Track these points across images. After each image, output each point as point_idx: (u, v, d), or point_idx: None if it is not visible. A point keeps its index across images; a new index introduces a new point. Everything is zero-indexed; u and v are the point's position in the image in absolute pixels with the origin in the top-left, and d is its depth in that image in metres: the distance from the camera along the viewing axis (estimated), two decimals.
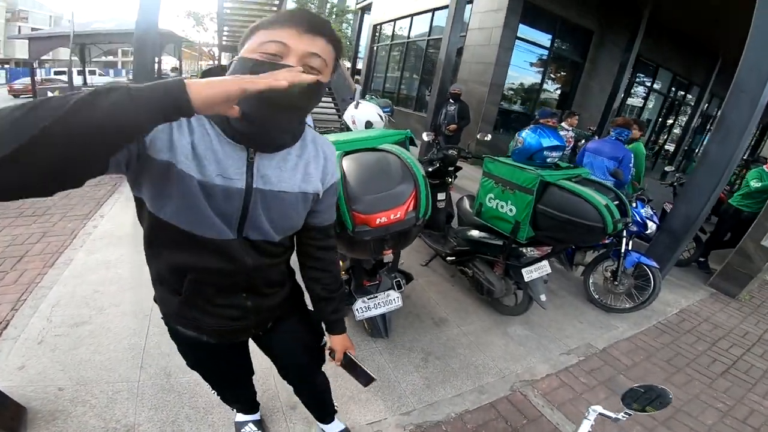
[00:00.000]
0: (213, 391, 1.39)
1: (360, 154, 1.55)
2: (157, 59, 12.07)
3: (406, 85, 12.58)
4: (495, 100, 8.26)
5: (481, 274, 2.76)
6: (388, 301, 2.04)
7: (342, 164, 1.48)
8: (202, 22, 18.28)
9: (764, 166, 4.39)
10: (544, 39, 8.75)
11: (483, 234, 2.62)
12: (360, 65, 16.30)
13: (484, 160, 2.54)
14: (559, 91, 9.84)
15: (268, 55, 0.71)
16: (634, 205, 3.07)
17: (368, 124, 2.53)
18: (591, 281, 3.34)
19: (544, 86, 9.37)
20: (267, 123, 0.77)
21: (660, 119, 13.10)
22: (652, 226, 2.98)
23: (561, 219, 2.09)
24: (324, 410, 1.59)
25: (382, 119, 2.57)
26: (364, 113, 2.55)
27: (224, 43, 14.23)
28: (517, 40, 8.12)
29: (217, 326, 0.99)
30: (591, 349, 2.74)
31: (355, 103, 2.67)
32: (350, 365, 1.24)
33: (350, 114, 2.60)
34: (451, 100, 6.21)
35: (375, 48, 14.59)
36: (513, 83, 9.05)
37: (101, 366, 1.96)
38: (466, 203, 2.95)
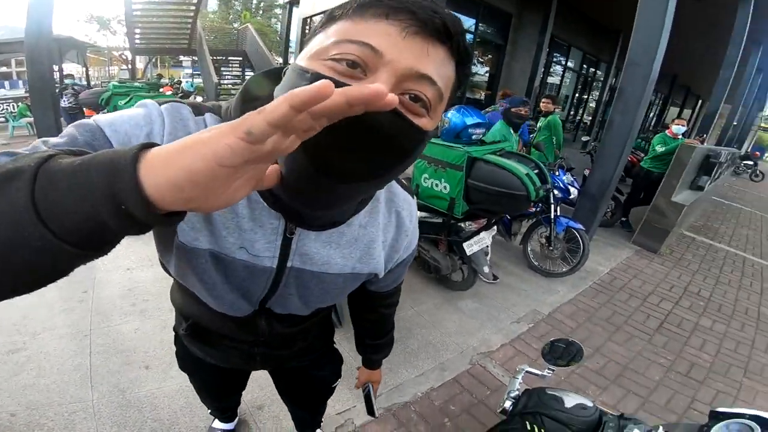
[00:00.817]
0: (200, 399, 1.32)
1: None
2: (56, 67, 10.90)
3: None
4: None
5: (426, 253, 2.87)
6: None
7: None
8: (108, 25, 16.69)
9: (666, 132, 5.01)
10: (469, 23, 9.12)
11: (423, 214, 2.72)
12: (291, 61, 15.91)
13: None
14: (486, 74, 10.33)
15: (342, 65, 0.41)
16: (556, 172, 3.34)
17: None
18: (529, 249, 3.59)
19: (473, 70, 9.79)
20: (321, 193, 0.45)
21: (576, 94, 14.23)
22: (574, 192, 3.27)
23: (490, 191, 2.26)
24: (310, 427, 1.52)
25: None
26: None
27: (137, 46, 13.10)
28: None
29: (221, 361, 0.88)
30: (538, 315, 2.93)
31: None
32: (366, 397, 1.19)
33: None
34: None
35: (307, 41, 14.33)
36: None
37: (49, 389, 1.82)
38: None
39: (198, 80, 11.21)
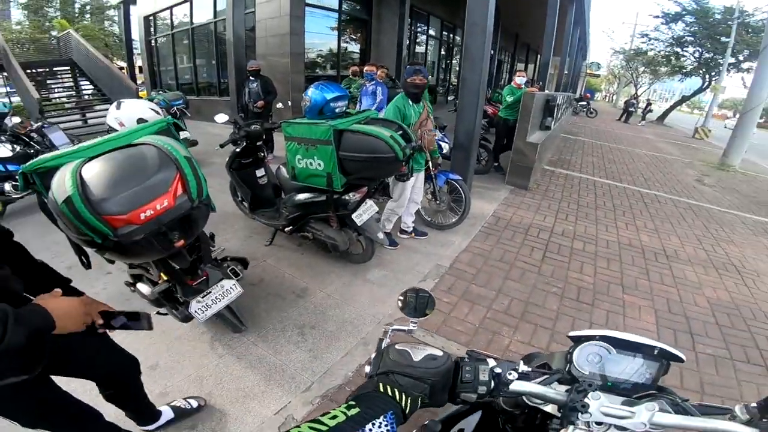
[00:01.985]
0: None
1: (106, 156, 1.34)
2: None
3: (206, 73, 11.35)
4: (299, 68, 8.17)
5: (319, 233, 2.80)
6: (225, 292, 1.87)
7: (79, 173, 1.23)
8: None
9: (512, 84, 5.73)
10: (333, 2, 8.97)
11: (306, 195, 2.65)
12: (140, 62, 14.00)
13: (282, 125, 2.53)
14: (357, 50, 10.38)
15: None
16: None
17: (141, 122, 2.20)
18: (421, 207, 3.76)
19: (343, 47, 9.73)
20: None
21: (442, 60, 15.26)
22: (446, 146, 3.50)
23: (361, 159, 2.28)
24: (148, 409, 1.56)
25: (158, 113, 2.37)
26: (132, 111, 2.33)
27: None
28: (306, 7, 8.07)
29: None
30: (441, 269, 3.08)
31: (116, 103, 2.40)
32: (110, 317, 1.06)
33: (113, 116, 2.34)
34: (251, 78, 5.93)
35: (153, 41, 12.69)
36: (314, 49, 9.11)
37: None
38: (283, 171, 2.90)
39: (16, 98, 9.06)
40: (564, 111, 9.78)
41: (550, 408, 0.61)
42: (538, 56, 25.27)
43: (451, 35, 15.29)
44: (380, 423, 0.48)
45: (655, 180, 7.05)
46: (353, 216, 2.58)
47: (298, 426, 0.44)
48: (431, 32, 13.67)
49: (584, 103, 20.05)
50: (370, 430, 0.47)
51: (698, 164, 9.69)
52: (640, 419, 0.53)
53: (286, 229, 2.92)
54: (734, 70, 18.32)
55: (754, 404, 0.55)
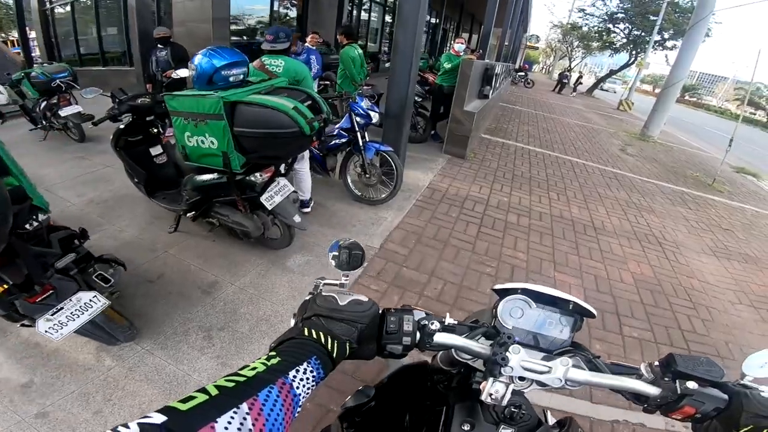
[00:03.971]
0: None
1: None
2: None
3: (114, 42, 9.87)
4: (224, 34, 7.36)
5: (226, 219, 2.46)
6: (83, 306, 1.51)
7: None
8: None
9: (450, 51, 5.61)
10: None
11: (206, 176, 2.28)
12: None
13: (165, 98, 2.11)
14: (293, 14, 9.56)
15: None
16: (354, 100, 3.25)
17: None
18: (349, 181, 3.53)
19: (276, 11, 8.89)
20: None
21: (386, 27, 14.68)
22: (375, 116, 3.25)
23: (260, 135, 1.95)
24: None
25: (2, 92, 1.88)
26: None
27: None
28: None
29: None
30: (371, 251, 2.87)
31: None
32: None
33: None
34: (159, 45, 5.21)
35: (48, 10, 10.77)
36: (242, 14, 8.22)
37: None
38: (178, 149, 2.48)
39: None
40: (503, 81, 9.87)
41: (478, 364, 0.62)
42: (482, 27, 25.46)
43: (398, 1, 14.68)
44: (304, 369, 0.46)
45: (585, 150, 7.39)
46: (262, 199, 2.28)
47: (215, 381, 0.39)
48: None
49: (522, 74, 20.62)
50: (294, 377, 0.44)
51: (622, 135, 10.36)
52: (556, 374, 0.54)
53: (189, 214, 2.53)
54: (659, 47, 19.63)
55: (656, 363, 0.58)
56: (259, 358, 0.45)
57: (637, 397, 0.57)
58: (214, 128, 1.98)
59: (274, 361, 0.45)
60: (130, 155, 2.69)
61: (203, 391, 0.37)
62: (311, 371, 0.46)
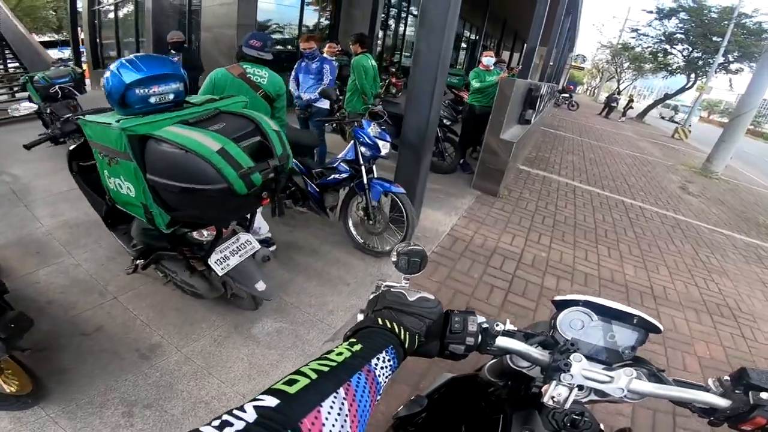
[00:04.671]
0: None
1: None
2: None
3: (154, 48, 9.87)
4: None
5: (175, 276, 1.87)
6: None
7: None
8: None
9: (479, 66, 4.87)
10: None
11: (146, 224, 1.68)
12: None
13: (79, 122, 1.51)
14: (324, 23, 9.19)
15: None
16: (359, 125, 2.61)
17: None
18: (350, 225, 2.88)
19: (306, 20, 8.54)
20: None
21: None
22: (385, 147, 2.58)
23: (176, 189, 1.29)
24: None
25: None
26: None
27: None
28: None
29: None
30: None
31: None
32: None
33: None
34: (172, 51, 4.90)
35: (97, 11, 11.05)
36: (269, 21, 7.91)
37: None
38: None
39: None
40: (546, 102, 8.99)
41: (533, 373, 0.64)
42: (525, 45, 24.52)
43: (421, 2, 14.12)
44: (383, 357, 0.47)
45: (639, 187, 6.40)
46: (210, 262, 1.68)
47: (307, 364, 0.41)
48: (413, 10, 12.52)
49: (567, 95, 19.43)
50: (376, 364, 0.45)
51: (681, 168, 9.16)
52: (618, 384, 0.54)
53: (138, 261, 1.97)
54: (722, 71, 17.99)
55: (726, 377, 0.57)
56: (341, 344, 0.47)
57: (704, 410, 0.56)
58: (126, 171, 1.38)
59: (357, 347, 0.46)
60: (87, 181, 2.17)
61: (301, 373, 0.38)
62: (389, 360, 0.47)
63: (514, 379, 0.70)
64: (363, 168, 2.60)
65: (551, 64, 12.34)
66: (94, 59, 11.41)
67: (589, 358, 0.58)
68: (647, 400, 0.57)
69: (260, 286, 1.82)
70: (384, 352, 0.47)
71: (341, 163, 2.69)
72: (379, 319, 0.54)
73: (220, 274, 1.70)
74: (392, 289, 0.60)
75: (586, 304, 0.63)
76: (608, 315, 0.63)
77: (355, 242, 2.88)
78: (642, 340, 0.63)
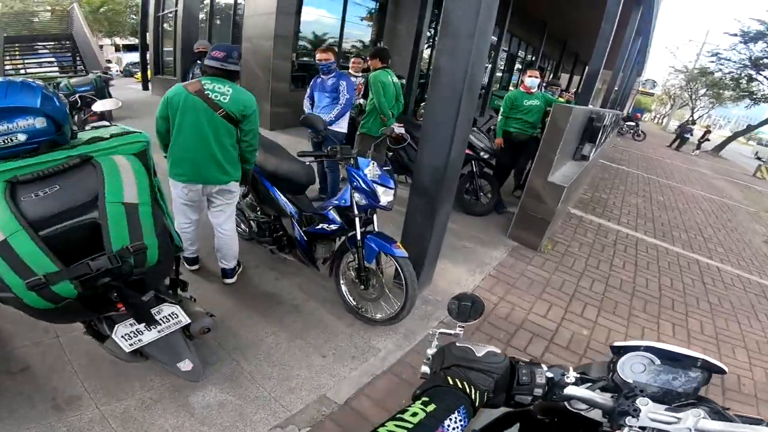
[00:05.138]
0: None
1: None
2: None
3: (182, 56, 10.05)
4: (285, 54, 6.83)
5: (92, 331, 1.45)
6: None
7: None
8: None
9: (520, 88, 4.27)
10: None
11: None
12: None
13: None
14: (365, 37, 8.87)
15: None
16: (352, 164, 2.02)
17: None
18: (342, 283, 2.30)
19: (348, 33, 8.24)
20: None
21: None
22: (385, 196, 1.97)
23: None
24: None
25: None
26: None
27: None
28: None
29: None
30: (325, 408, 1.72)
31: None
32: None
33: None
34: (198, 62, 4.70)
35: (161, 18, 11.54)
36: (309, 33, 7.69)
37: None
38: None
39: None
40: (609, 133, 7.95)
41: (593, 414, 0.64)
42: (587, 68, 22.99)
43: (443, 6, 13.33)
44: (455, 417, 0.48)
45: (717, 241, 5.26)
46: (114, 336, 1.26)
47: (383, 424, 0.43)
48: None
49: (633, 123, 17.70)
50: (449, 425, 0.46)
51: (767, 217, 7.67)
52: (686, 425, 0.53)
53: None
54: None
55: None
56: (414, 403, 0.48)
57: None
58: None
59: (430, 408, 0.47)
60: None
61: None
62: (460, 420, 0.48)
63: (563, 418, 0.69)
64: (357, 219, 2.02)
65: (616, 89, 11.17)
66: (156, 65, 11.79)
67: (650, 399, 0.57)
68: None
69: (184, 365, 1.46)
70: (456, 412, 0.48)
71: (331, 211, 2.12)
72: (449, 378, 0.54)
73: (126, 351, 1.30)
74: (458, 343, 0.61)
75: (649, 349, 0.63)
76: (671, 358, 0.63)
77: (347, 304, 2.31)
78: (706, 381, 0.62)
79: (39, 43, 10.50)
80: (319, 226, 2.20)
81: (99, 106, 2.45)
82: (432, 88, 2.05)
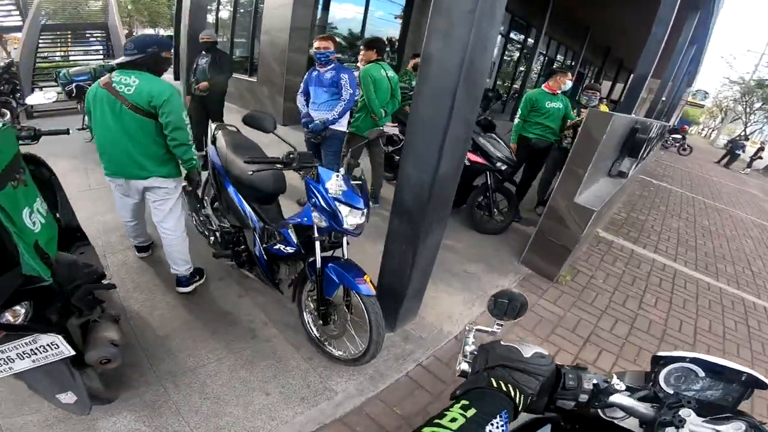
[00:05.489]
0: None
1: None
2: None
3: (242, 47, 9.86)
4: (301, 47, 6.54)
5: None
6: None
7: None
8: None
9: (544, 87, 3.82)
10: None
11: None
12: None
13: None
14: (390, 31, 8.42)
15: None
16: (312, 176, 1.62)
17: None
18: (305, 312, 1.93)
19: (369, 27, 7.84)
20: None
21: (505, 60, 12.71)
22: (354, 215, 1.56)
23: None
24: None
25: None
26: None
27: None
28: None
29: None
30: None
31: None
32: None
33: None
34: (203, 52, 4.46)
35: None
36: (328, 26, 7.34)
37: None
38: None
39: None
40: (653, 147, 7.18)
41: (629, 423, 0.62)
42: (631, 75, 21.49)
43: (523, 36, 12.68)
44: (497, 423, 0.45)
45: (766, 275, 4.55)
46: None
47: (420, 429, 0.42)
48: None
49: (679, 136, 16.37)
50: (490, 431, 0.44)
51: None
52: None
53: None
54: None
55: None
56: (453, 407, 0.46)
57: None
58: None
59: (470, 412, 0.45)
60: None
61: None
62: (501, 425, 0.45)
63: (586, 425, 0.69)
64: (317, 243, 1.63)
65: (663, 99, 10.22)
66: (175, 56, 11.85)
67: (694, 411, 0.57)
68: None
69: (66, 398, 1.27)
70: (498, 417, 0.46)
71: (290, 230, 1.74)
72: (493, 380, 0.52)
73: None
74: (503, 342, 0.59)
75: (694, 360, 0.62)
76: (714, 371, 0.62)
77: (310, 335, 1.94)
78: (748, 396, 0.62)
79: (87, 31, 10.81)
80: (276, 247, 1.83)
81: (30, 99, 2.28)
82: (420, 82, 1.62)
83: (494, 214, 3.60)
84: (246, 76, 8.09)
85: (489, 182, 3.47)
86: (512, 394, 0.50)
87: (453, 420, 0.42)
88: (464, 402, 0.46)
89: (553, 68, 4.32)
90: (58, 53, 10.28)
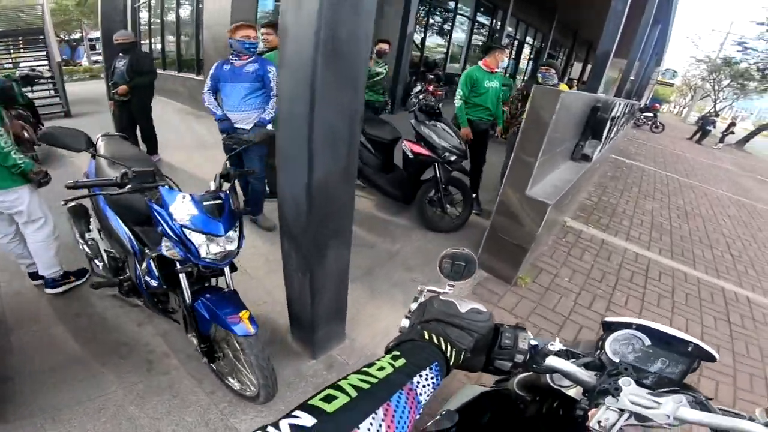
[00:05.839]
0: None
1: None
2: None
3: (188, 46, 9.21)
4: None
5: None
6: None
7: None
8: None
9: (480, 63, 3.44)
10: None
11: None
12: None
13: None
14: None
15: None
16: (152, 198, 1.21)
17: None
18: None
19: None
20: None
21: (472, 47, 12.39)
22: (218, 242, 1.14)
23: None
24: None
25: None
26: None
27: None
28: None
29: None
30: None
31: None
32: None
33: None
34: (120, 54, 4.01)
35: (137, 8, 10.81)
36: (272, 16, 6.84)
37: None
38: None
39: None
40: (620, 127, 6.95)
41: (573, 392, 0.61)
42: (596, 53, 21.56)
43: (492, 19, 12.38)
44: (426, 375, 0.44)
45: (748, 260, 4.31)
46: None
47: (346, 377, 0.39)
48: (463, 9, 10.95)
49: (651, 114, 16.40)
50: (418, 382, 0.43)
51: None
52: (664, 411, 0.51)
53: None
54: None
55: None
56: (383, 357, 0.44)
57: None
58: None
59: (399, 362, 0.43)
60: None
61: (340, 389, 0.36)
62: (432, 377, 0.45)
63: (543, 395, 0.68)
64: (181, 276, 1.24)
65: (632, 78, 10.06)
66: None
67: (636, 382, 0.56)
68: (686, 427, 0.54)
69: None
70: (428, 369, 0.45)
71: (152, 260, 1.34)
72: (426, 333, 0.51)
73: None
74: (441, 297, 0.57)
75: (640, 327, 0.61)
76: (661, 340, 0.61)
77: (210, 367, 1.55)
78: (694, 368, 0.61)
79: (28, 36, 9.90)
80: (145, 278, 1.43)
81: None
82: (279, 65, 1.22)
83: (447, 209, 3.24)
84: (194, 74, 7.57)
85: (438, 175, 3.10)
86: (444, 347, 0.49)
87: (381, 369, 0.40)
88: (395, 353, 0.44)
89: (491, 44, 3.85)
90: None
